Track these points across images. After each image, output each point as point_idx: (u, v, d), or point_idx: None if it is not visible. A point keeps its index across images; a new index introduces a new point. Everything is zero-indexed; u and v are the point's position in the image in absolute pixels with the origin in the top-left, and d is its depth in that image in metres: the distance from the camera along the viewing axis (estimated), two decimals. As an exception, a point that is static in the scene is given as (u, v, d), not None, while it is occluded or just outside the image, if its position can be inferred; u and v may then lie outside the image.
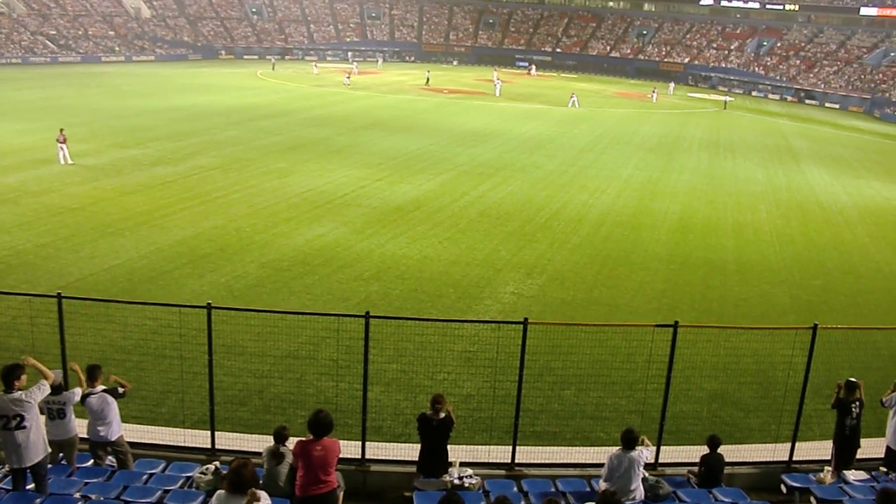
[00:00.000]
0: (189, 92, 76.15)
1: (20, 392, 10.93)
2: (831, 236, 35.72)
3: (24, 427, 10.90)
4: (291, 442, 11.19)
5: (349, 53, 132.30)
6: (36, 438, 11.07)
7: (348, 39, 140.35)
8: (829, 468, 13.72)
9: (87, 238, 28.41)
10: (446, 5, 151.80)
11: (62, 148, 40.34)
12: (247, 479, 9.05)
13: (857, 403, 13.71)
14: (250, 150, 47.34)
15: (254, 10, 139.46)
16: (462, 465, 12.83)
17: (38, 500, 10.88)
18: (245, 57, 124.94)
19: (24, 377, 11.06)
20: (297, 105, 70.62)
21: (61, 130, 41.07)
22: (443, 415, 12.28)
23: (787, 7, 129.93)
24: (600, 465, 12.37)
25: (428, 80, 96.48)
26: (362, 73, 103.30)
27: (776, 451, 14.38)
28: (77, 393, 12.07)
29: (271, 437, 11.36)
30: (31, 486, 11.29)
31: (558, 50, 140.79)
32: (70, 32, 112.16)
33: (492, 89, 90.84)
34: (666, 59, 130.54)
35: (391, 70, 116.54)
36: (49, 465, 11.59)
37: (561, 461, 14.01)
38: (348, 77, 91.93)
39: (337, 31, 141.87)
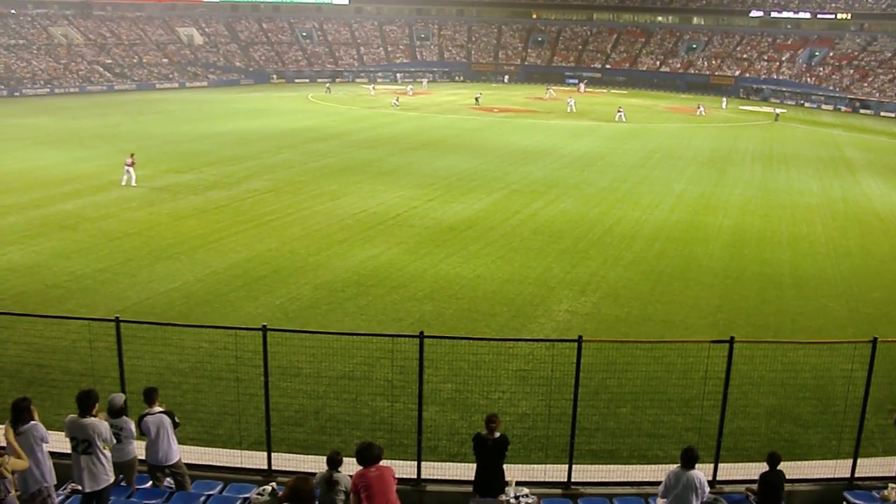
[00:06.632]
0: (241, 117, 77.13)
1: (93, 419, 11.19)
2: (890, 248, 35.10)
3: (90, 453, 11.18)
4: (346, 465, 11.17)
5: (398, 75, 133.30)
6: (101, 465, 11.30)
7: (398, 61, 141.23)
8: (894, 485, 13.44)
9: (143, 262, 28.89)
10: (495, 24, 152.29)
11: (128, 171, 41.41)
12: (306, 492, 9.03)
13: (922, 418, 13.44)
14: (303, 172, 47.83)
15: (304, 34, 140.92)
16: (518, 484, 12.76)
17: (100, 522, 11.07)
18: (296, 81, 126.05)
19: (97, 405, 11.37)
20: (349, 127, 71.12)
21: (132, 154, 42.31)
22: (497, 434, 12.24)
23: (839, 16, 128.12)
24: (658, 483, 12.23)
25: (478, 99, 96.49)
26: (413, 94, 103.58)
27: (837, 468, 14.08)
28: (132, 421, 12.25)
29: (327, 458, 11.35)
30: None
31: (608, 66, 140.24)
32: (125, 61, 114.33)
33: (543, 107, 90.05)
34: (716, 73, 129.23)
35: (441, 90, 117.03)
36: (110, 487, 11.82)
37: (618, 479, 13.87)
38: (397, 100, 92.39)
39: (386, 52, 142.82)
